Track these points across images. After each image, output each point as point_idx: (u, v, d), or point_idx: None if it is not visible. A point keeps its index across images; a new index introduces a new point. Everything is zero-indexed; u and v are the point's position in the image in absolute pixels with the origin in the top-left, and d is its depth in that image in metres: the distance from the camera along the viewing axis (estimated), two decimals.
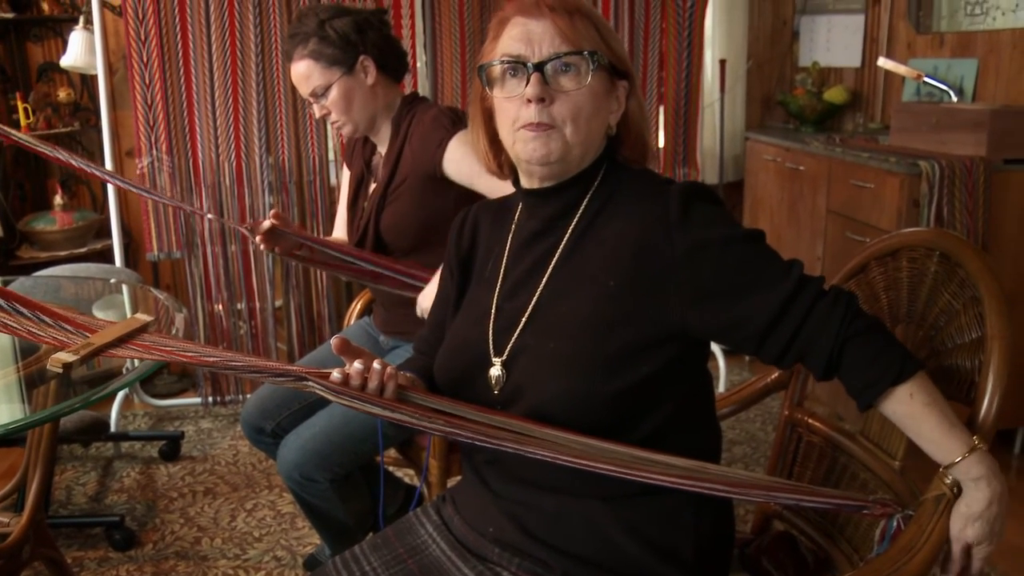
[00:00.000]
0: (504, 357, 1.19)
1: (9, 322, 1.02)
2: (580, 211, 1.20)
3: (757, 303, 1.08)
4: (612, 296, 1.12)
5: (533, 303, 1.19)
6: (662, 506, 1.14)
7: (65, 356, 0.98)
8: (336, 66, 1.88)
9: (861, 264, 1.45)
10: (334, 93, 1.90)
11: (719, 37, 3.79)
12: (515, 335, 1.19)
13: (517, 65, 1.14)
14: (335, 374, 1.06)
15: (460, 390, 1.21)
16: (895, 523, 1.14)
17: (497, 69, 1.16)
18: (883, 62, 3.27)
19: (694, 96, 3.43)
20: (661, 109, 3.44)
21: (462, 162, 1.82)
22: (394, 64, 1.97)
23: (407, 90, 2.26)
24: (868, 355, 1.07)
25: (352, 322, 2.27)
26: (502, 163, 1.26)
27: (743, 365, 3.82)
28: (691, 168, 3.50)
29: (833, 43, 3.91)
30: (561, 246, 1.20)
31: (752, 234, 1.12)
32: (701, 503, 1.15)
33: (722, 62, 3.77)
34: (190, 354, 1.05)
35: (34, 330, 1.02)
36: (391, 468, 2.28)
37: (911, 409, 1.07)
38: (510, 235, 1.28)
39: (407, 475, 2.52)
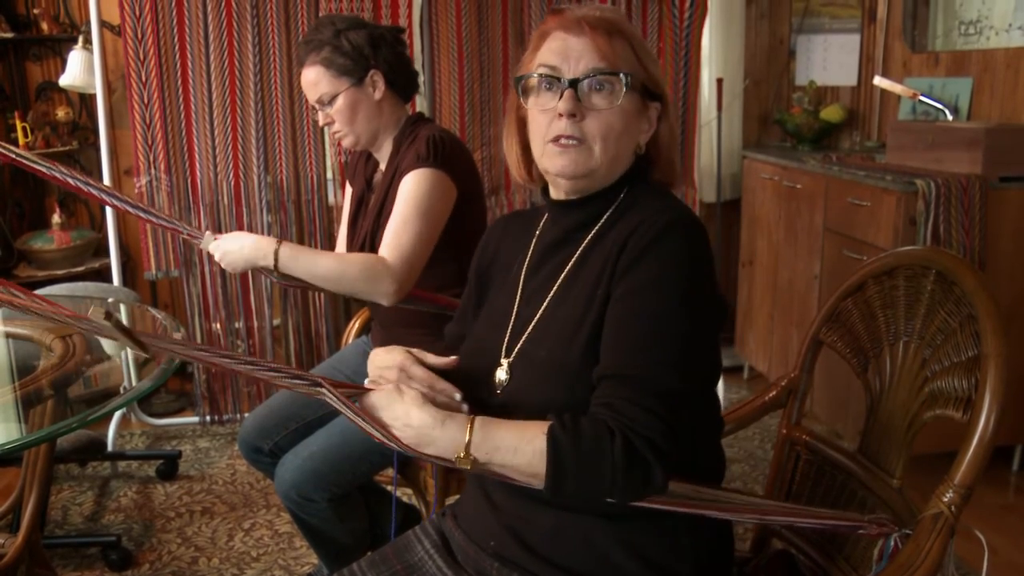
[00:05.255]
0: (510, 360, 1.21)
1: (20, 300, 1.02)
2: (599, 225, 1.21)
3: (609, 354, 1.08)
4: (600, 305, 1.13)
5: (542, 310, 1.21)
6: (660, 525, 1.14)
7: (99, 311, 0.97)
8: (345, 76, 1.89)
9: (858, 283, 1.46)
10: (340, 103, 1.91)
11: (716, 56, 3.81)
12: (521, 341, 1.21)
13: (552, 79, 1.16)
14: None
15: (471, 389, 1.22)
16: (893, 542, 1.14)
17: (533, 80, 1.18)
18: (879, 81, 3.28)
19: (691, 115, 3.45)
20: None
21: (402, 193, 1.84)
22: (403, 82, 1.99)
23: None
24: (584, 456, 1.03)
25: (350, 341, 2.27)
26: (533, 172, 1.27)
27: (741, 383, 3.82)
28: (688, 187, 3.50)
29: (829, 62, 3.93)
30: (575, 257, 1.22)
31: (688, 306, 1.08)
32: (699, 523, 1.14)
33: (719, 81, 3.79)
34: (205, 354, 1.08)
35: (45, 306, 1.03)
36: (390, 487, 2.27)
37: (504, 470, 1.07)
38: (533, 242, 1.30)
39: (405, 494, 2.51)
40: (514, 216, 1.41)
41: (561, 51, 1.16)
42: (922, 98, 3.20)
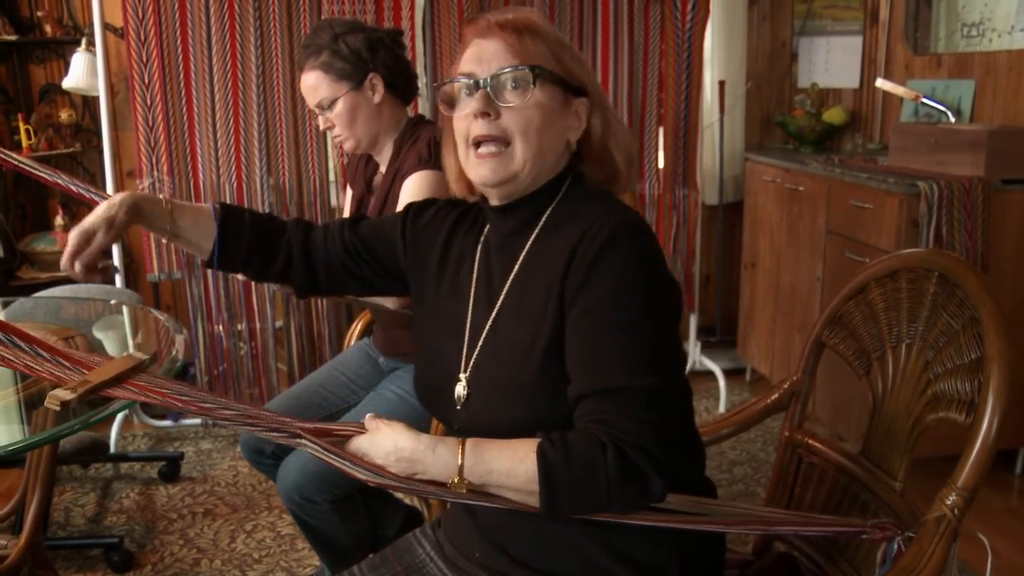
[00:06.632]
0: (468, 374, 1.20)
1: (7, 355, 1.02)
2: (537, 228, 1.21)
3: (582, 373, 1.07)
4: (552, 323, 1.11)
5: (491, 322, 1.20)
6: (642, 526, 1.12)
7: (63, 394, 0.98)
8: (344, 80, 1.90)
9: (860, 285, 1.46)
10: (339, 107, 1.91)
11: (718, 58, 3.81)
12: (475, 353, 1.20)
13: (470, 85, 1.16)
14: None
15: (433, 402, 1.22)
16: (896, 545, 1.14)
17: (453, 88, 1.18)
18: (881, 83, 3.28)
19: (693, 117, 3.45)
20: (661, 130, 3.46)
21: (405, 194, 1.84)
22: (403, 85, 1.99)
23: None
24: (575, 471, 1.02)
25: (352, 343, 2.27)
26: (472, 184, 1.25)
27: (743, 386, 3.82)
28: (691, 188, 3.51)
29: (832, 64, 3.93)
30: (518, 264, 1.21)
31: (650, 309, 1.08)
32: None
33: (721, 83, 3.79)
34: (185, 398, 1.05)
35: (31, 364, 1.02)
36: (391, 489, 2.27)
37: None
38: (479, 245, 1.29)
39: (406, 496, 2.51)
40: (471, 208, 1.35)
41: (476, 56, 1.17)
42: (924, 100, 3.20)
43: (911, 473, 1.27)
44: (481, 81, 1.14)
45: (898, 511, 1.26)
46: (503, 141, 1.15)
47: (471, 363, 1.20)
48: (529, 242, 1.20)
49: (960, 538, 1.12)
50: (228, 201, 3.12)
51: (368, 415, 1.12)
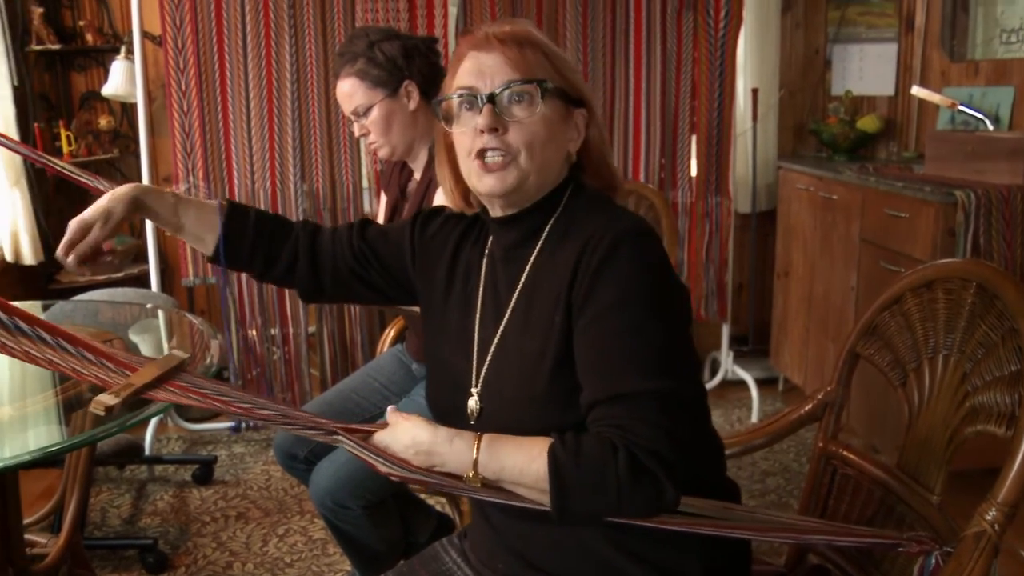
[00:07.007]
0: (479, 388, 1.20)
1: (54, 358, 1.04)
2: (542, 239, 1.20)
3: (593, 380, 1.07)
4: (560, 332, 1.12)
5: (499, 334, 1.20)
6: (659, 529, 1.12)
7: (107, 399, 1.00)
8: (380, 87, 1.91)
9: (896, 295, 1.44)
10: (375, 114, 1.93)
11: (751, 66, 3.79)
12: (485, 367, 1.20)
13: (471, 98, 1.16)
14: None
15: (446, 418, 1.22)
16: (933, 560, 1.12)
17: (453, 103, 1.18)
18: (916, 90, 3.25)
19: (726, 125, 3.43)
20: (694, 138, 3.44)
21: (438, 201, 1.84)
22: (437, 92, 1.99)
23: None
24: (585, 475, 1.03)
25: (385, 349, 2.29)
26: (469, 197, 1.26)
27: (776, 396, 3.79)
28: (723, 197, 3.49)
29: (866, 71, 3.90)
30: (524, 275, 1.20)
31: (659, 313, 1.08)
32: None
33: (754, 91, 3.77)
34: (225, 399, 1.07)
35: (77, 367, 1.04)
36: (423, 496, 2.28)
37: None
38: (485, 257, 1.28)
39: (438, 503, 2.52)
40: (476, 219, 1.33)
41: (475, 70, 1.16)
42: (961, 108, 3.16)
43: (948, 487, 1.25)
44: (485, 96, 1.14)
45: (935, 525, 1.25)
46: (508, 154, 1.14)
47: (482, 377, 1.20)
48: (534, 253, 1.20)
49: (1000, 554, 1.10)
50: (263, 207, 3.15)
51: (389, 408, 1.13)
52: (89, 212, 1.33)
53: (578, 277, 1.10)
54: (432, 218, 1.37)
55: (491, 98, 1.14)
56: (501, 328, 1.20)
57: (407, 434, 1.08)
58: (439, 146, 1.27)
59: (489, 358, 1.20)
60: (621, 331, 1.07)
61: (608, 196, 1.23)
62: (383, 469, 1.07)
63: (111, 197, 1.33)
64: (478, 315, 1.25)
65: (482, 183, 1.16)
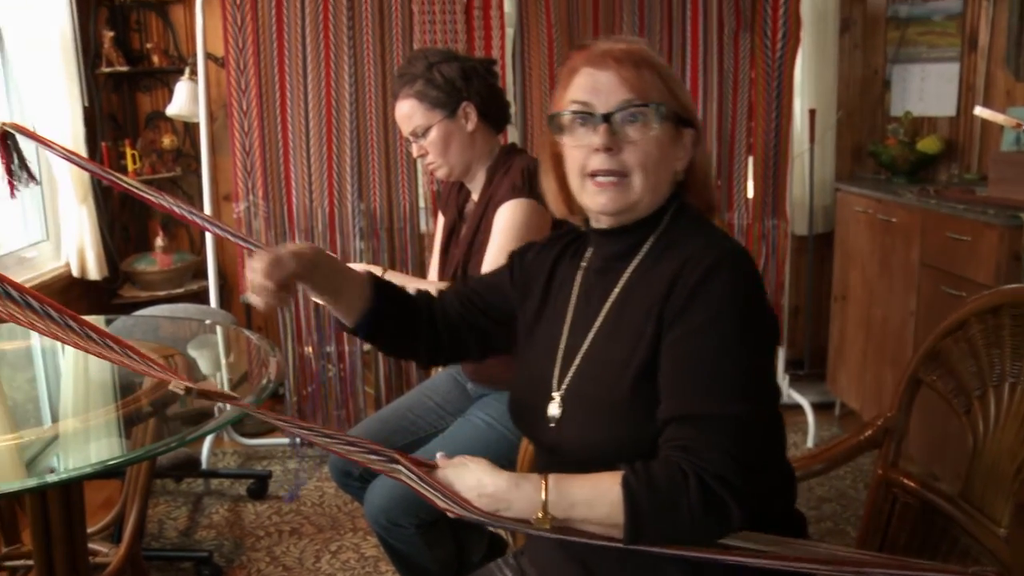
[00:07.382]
0: (562, 394, 1.21)
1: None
2: (642, 254, 1.22)
3: (671, 397, 1.08)
4: (649, 343, 1.13)
5: (588, 343, 1.22)
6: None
7: (181, 383, 1.03)
8: (438, 109, 1.94)
9: (960, 320, 1.42)
10: (433, 135, 1.95)
11: (808, 87, 3.76)
12: (570, 374, 1.22)
13: (586, 115, 1.17)
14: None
15: (525, 420, 1.23)
16: None
17: (567, 118, 1.20)
18: (979, 111, 3.18)
19: (783, 146, 3.40)
20: (750, 159, 3.42)
21: (499, 222, 1.86)
22: (496, 113, 2.02)
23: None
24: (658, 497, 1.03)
25: (440, 369, 2.30)
26: (573, 207, 1.28)
27: (832, 420, 3.72)
28: (780, 219, 3.45)
29: (927, 92, 3.84)
30: (619, 286, 1.22)
31: (746, 339, 1.08)
32: None
33: (812, 112, 3.73)
34: (293, 429, 1.12)
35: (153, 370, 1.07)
36: None
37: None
38: (580, 271, 1.30)
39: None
40: (571, 241, 1.36)
41: (591, 87, 1.18)
42: None
43: (1016, 519, 1.22)
44: (601, 115, 1.16)
45: (1002, 559, 1.22)
46: (621, 174, 1.16)
47: (566, 382, 1.22)
48: (631, 267, 1.22)
49: None
50: (320, 225, 3.21)
51: (439, 455, 1.14)
52: (281, 250, 1.22)
53: (675, 292, 1.11)
54: (528, 250, 1.41)
55: (607, 117, 1.16)
56: (591, 336, 1.22)
57: (472, 476, 1.09)
58: (544, 154, 1.29)
59: (575, 365, 1.22)
60: (705, 352, 1.08)
61: (707, 218, 1.25)
62: (441, 505, 1.08)
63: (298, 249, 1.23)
64: (568, 323, 1.27)
65: (595, 201, 1.19)
